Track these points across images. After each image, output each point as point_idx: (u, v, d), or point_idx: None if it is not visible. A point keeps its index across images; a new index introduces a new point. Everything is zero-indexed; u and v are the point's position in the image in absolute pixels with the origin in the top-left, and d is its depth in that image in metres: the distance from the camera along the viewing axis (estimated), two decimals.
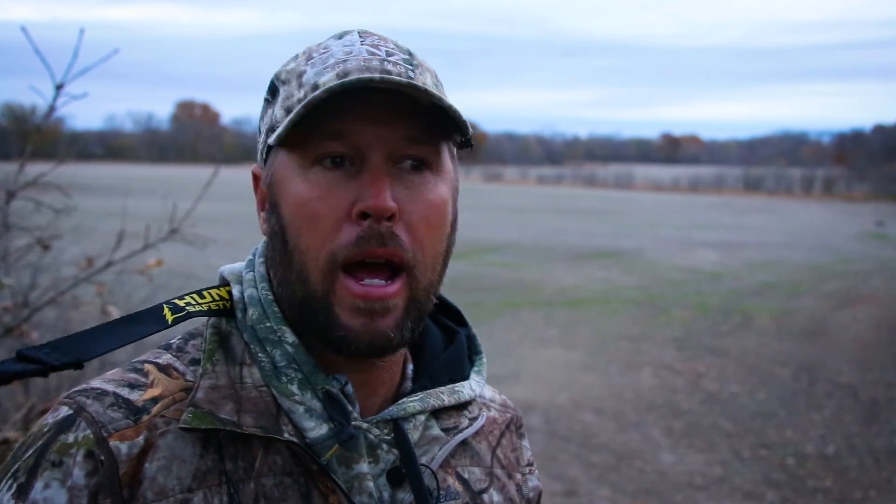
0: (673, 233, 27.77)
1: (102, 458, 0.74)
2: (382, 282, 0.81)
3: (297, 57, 0.87)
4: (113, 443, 0.75)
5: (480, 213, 33.59)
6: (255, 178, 0.91)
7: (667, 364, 10.40)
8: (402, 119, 0.80)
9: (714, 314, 13.55)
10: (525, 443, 1.08)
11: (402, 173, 0.81)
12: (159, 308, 0.84)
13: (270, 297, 0.86)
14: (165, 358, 0.84)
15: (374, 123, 0.80)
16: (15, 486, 0.73)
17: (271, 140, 0.82)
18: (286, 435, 0.79)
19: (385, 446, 0.85)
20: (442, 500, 0.87)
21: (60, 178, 3.17)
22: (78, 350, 0.78)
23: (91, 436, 0.75)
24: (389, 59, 0.82)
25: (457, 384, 0.94)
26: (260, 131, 0.89)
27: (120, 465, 0.74)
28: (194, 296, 0.88)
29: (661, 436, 7.83)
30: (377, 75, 0.77)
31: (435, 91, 0.78)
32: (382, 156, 0.80)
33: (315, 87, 0.80)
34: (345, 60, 0.81)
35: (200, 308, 0.86)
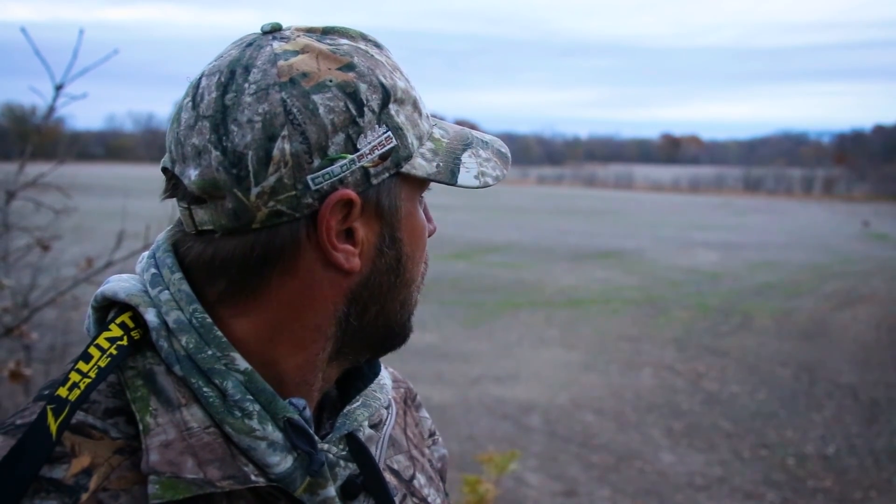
0: (673, 233, 27.77)
1: None
2: None
3: (396, 68, 0.79)
4: None
5: (480, 214, 33.60)
6: (357, 206, 0.74)
7: (667, 364, 10.40)
8: None
9: (714, 314, 13.55)
10: (423, 413, 1.02)
11: None
12: (42, 416, 0.67)
13: (208, 319, 0.73)
14: (76, 417, 0.69)
15: None
16: None
17: (455, 180, 0.82)
18: (252, 478, 0.71)
19: (342, 462, 0.79)
20: None
21: (60, 178, 3.17)
22: None
23: None
24: None
25: (379, 377, 0.88)
26: (356, 148, 0.73)
27: None
28: (79, 365, 0.71)
29: (662, 436, 7.82)
30: (507, 152, 0.92)
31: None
32: None
33: (428, 118, 0.83)
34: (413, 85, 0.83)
35: (88, 381, 0.70)
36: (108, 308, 0.77)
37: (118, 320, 0.74)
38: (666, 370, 10.14)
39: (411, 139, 0.77)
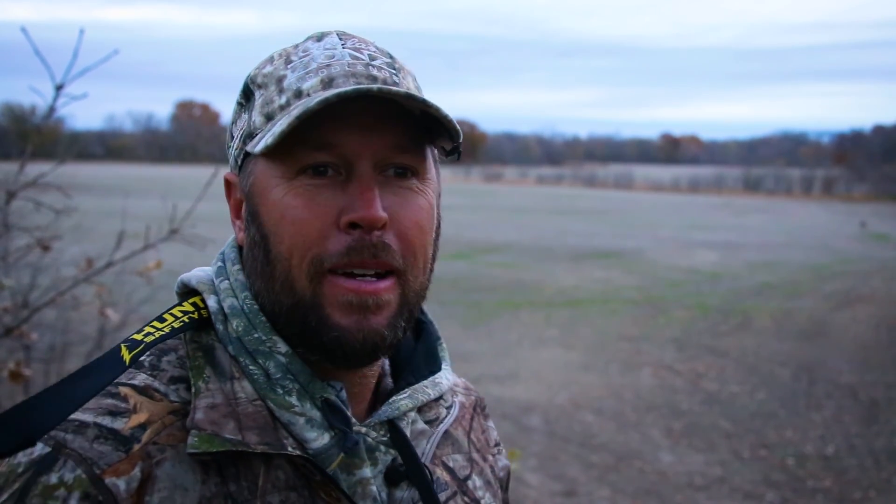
0: (673, 233, 27.77)
1: (101, 498, 0.68)
2: (373, 279, 0.79)
3: (272, 59, 0.84)
4: (109, 480, 0.69)
5: (480, 214, 33.59)
6: (228, 184, 0.88)
7: (666, 364, 10.40)
8: (389, 127, 0.79)
9: (714, 314, 13.55)
10: (490, 423, 1.06)
11: (388, 180, 0.80)
12: (117, 350, 0.77)
13: (256, 306, 0.82)
14: (140, 378, 0.78)
15: (362, 132, 0.78)
16: None
17: (256, 148, 0.78)
18: (289, 449, 0.77)
19: (382, 448, 0.84)
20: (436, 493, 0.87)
21: (60, 178, 3.16)
22: (28, 425, 0.68)
23: (84, 476, 0.68)
24: (373, 62, 0.82)
25: (436, 375, 0.93)
26: (232, 136, 0.86)
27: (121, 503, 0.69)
28: (154, 323, 0.82)
29: (661, 436, 7.83)
30: (375, 86, 0.75)
31: (425, 97, 0.77)
32: (370, 165, 0.78)
33: (298, 93, 0.79)
34: (328, 65, 0.80)
35: (162, 333, 0.79)
36: (187, 294, 0.88)
37: (190, 300, 0.85)
38: (665, 370, 10.14)
39: (256, 118, 0.82)
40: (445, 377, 0.94)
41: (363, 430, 0.83)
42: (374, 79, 0.80)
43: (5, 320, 2.97)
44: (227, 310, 0.82)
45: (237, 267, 0.85)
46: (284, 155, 0.78)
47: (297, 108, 0.75)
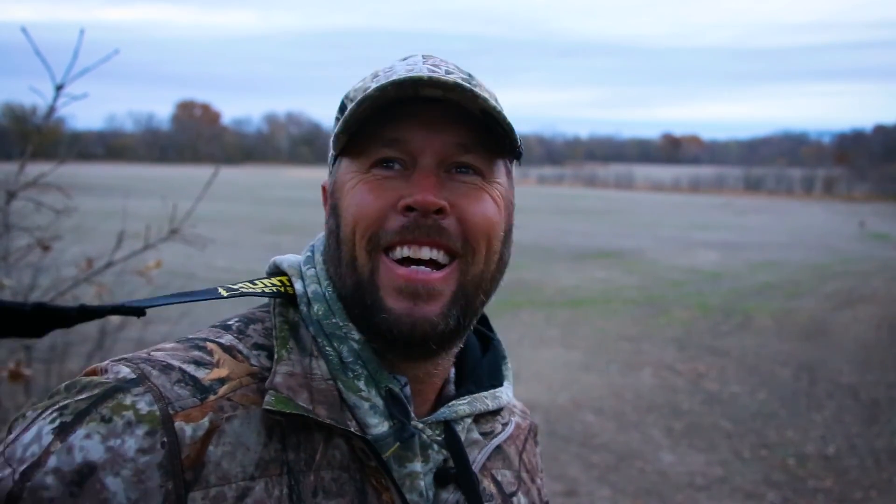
0: (673, 233, 27.76)
1: (165, 439, 0.72)
2: (428, 269, 0.83)
3: (364, 78, 0.91)
4: (178, 423, 0.73)
5: None
6: (325, 192, 0.95)
7: (667, 364, 10.40)
8: (452, 126, 0.84)
9: (714, 314, 13.54)
10: (539, 450, 1.11)
11: (452, 177, 0.85)
12: (213, 288, 0.86)
13: (335, 294, 0.88)
14: (227, 339, 0.84)
15: (426, 130, 0.84)
16: (59, 421, 0.71)
17: (334, 148, 0.88)
18: (353, 429, 0.80)
19: (436, 447, 0.87)
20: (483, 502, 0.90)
21: (61, 178, 3.16)
22: (138, 304, 0.80)
23: (157, 413, 0.73)
24: (449, 74, 0.86)
25: (497, 389, 0.97)
26: (330, 147, 0.93)
27: (183, 449, 0.73)
28: (245, 283, 0.89)
29: (662, 436, 7.82)
30: (426, 74, 0.80)
31: (484, 94, 0.82)
32: (433, 160, 0.84)
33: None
34: (406, 75, 0.84)
35: (254, 290, 0.87)
36: (276, 275, 0.94)
37: (277, 278, 0.92)
38: (666, 370, 10.14)
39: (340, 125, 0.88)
40: (506, 394, 0.99)
41: (420, 426, 0.87)
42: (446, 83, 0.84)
43: None
44: (310, 294, 0.89)
45: (323, 258, 0.92)
46: (359, 153, 0.86)
47: (359, 96, 0.82)
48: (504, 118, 0.82)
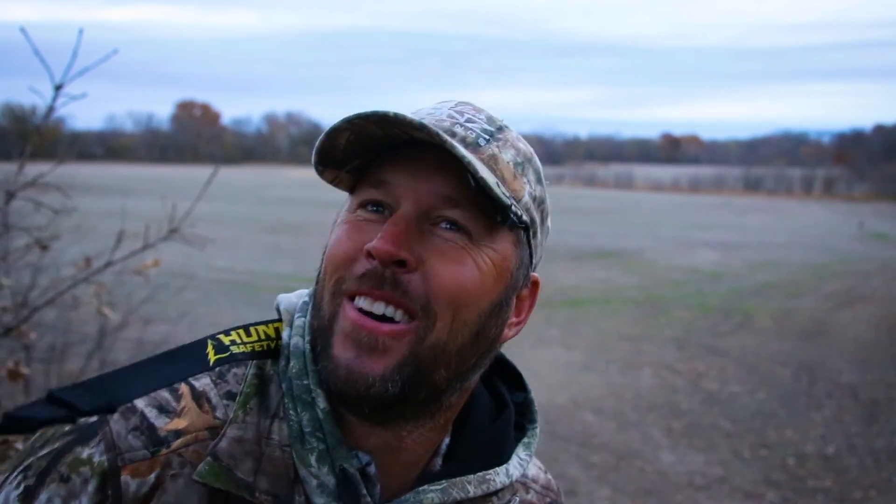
0: (673, 233, 27.77)
1: (110, 492, 0.70)
2: (380, 321, 0.76)
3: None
4: (124, 477, 0.71)
5: None
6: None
7: (667, 364, 10.40)
8: (442, 177, 0.77)
9: (714, 314, 13.55)
10: None
11: (437, 231, 0.78)
12: (203, 344, 0.81)
13: (310, 350, 0.81)
14: (203, 382, 0.79)
15: (413, 176, 0.78)
16: (23, 486, 0.70)
17: (316, 171, 0.83)
18: None
19: None
20: None
21: (60, 178, 3.16)
22: (113, 393, 0.75)
23: (106, 464, 0.71)
24: (466, 124, 0.81)
25: (489, 471, 0.85)
26: None
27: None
28: (241, 332, 0.84)
29: (662, 436, 7.82)
30: (391, 112, 0.73)
31: (465, 152, 0.73)
32: (412, 207, 0.77)
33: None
34: (421, 117, 0.79)
35: (244, 350, 0.82)
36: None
37: (275, 324, 0.87)
38: (666, 370, 10.14)
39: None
40: (506, 473, 0.87)
41: None
42: (453, 134, 0.79)
43: (5, 320, 2.97)
44: (291, 348, 0.82)
45: (312, 302, 0.85)
46: (357, 191, 0.82)
47: (330, 126, 0.77)
48: (480, 178, 0.73)
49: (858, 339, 11.90)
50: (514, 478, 0.88)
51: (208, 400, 0.78)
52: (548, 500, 0.98)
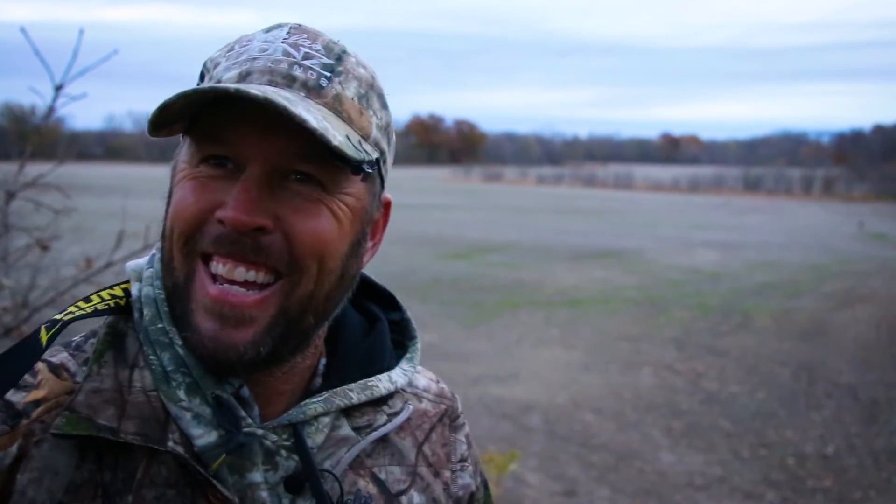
0: (673, 233, 27.77)
1: None
2: (244, 290, 0.75)
3: (225, 45, 0.83)
4: None
5: (480, 214, 33.59)
6: None
7: (666, 364, 10.40)
8: (288, 133, 0.73)
9: (714, 314, 13.55)
10: (460, 436, 0.99)
11: (288, 185, 0.76)
12: (37, 332, 0.77)
13: (163, 295, 0.81)
14: (61, 357, 0.78)
15: (260, 133, 0.74)
16: None
17: (148, 131, 0.76)
18: (169, 444, 0.74)
19: (284, 452, 0.80)
20: None
21: (60, 178, 3.16)
22: None
23: None
24: (304, 62, 0.77)
25: (371, 378, 0.87)
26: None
27: None
28: (79, 303, 0.81)
29: (661, 436, 7.82)
30: (232, 86, 0.71)
31: (301, 111, 0.70)
32: (262, 167, 0.75)
33: (218, 82, 0.77)
34: (255, 59, 0.77)
35: (83, 312, 0.79)
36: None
37: (123, 285, 0.85)
38: (665, 370, 10.14)
39: None
40: (389, 380, 0.88)
41: (259, 432, 0.79)
42: (293, 79, 0.76)
43: (5, 320, 2.97)
44: (142, 298, 0.82)
45: (160, 255, 0.83)
46: (195, 142, 0.78)
47: (167, 99, 0.73)
48: (319, 132, 0.70)
49: (858, 339, 11.90)
50: (398, 385, 0.89)
51: (67, 369, 0.77)
52: (443, 406, 0.98)
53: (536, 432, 7.75)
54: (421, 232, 25.92)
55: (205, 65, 0.83)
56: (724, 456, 7.33)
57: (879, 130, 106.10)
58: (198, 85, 0.82)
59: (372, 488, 0.85)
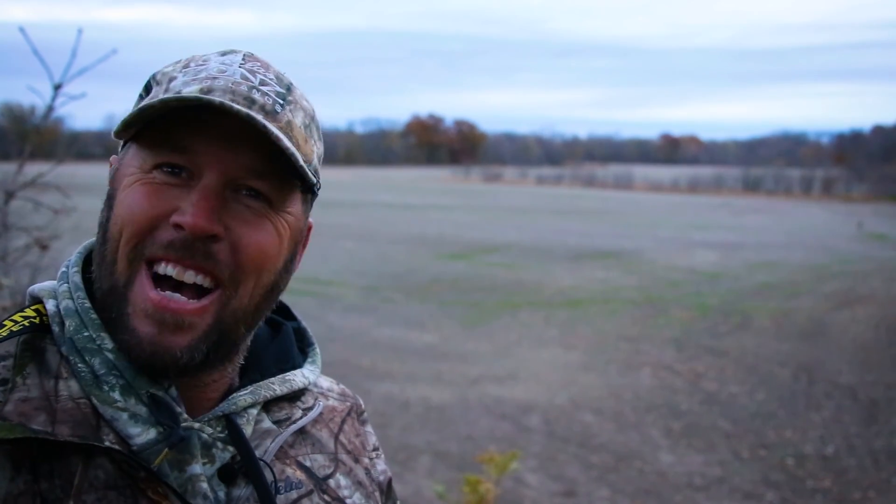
0: (672, 233, 27.78)
1: None
2: (184, 299, 0.78)
3: (177, 62, 0.86)
4: None
5: (480, 214, 33.59)
6: (111, 166, 0.91)
7: (666, 364, 10.40)
8: (248, 149, 0.79)
9: (713, 314, 13.55)
10: (368, 428, 1.06)
11: (239, 199, 0.81)
12: None
13: (87, 304, 0.83)
14: None
15: (220, 146, 0.79)
16: None
17: (114, 131, 0.82)
18: (107, 443, 0.75)
19: (220, 444, 0.83)
20: (282, 491, 0.86)
21: (59, 178, 3.16)
22: None
23: None
24: (261, 87, 0.82)
25: (287, 373, 0.93)
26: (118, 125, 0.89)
27: None
28: None
29: (661, 436, 7.82)
30: (217, 98, 0.75)
31: (275, 129, 0.77)
32: (219, 178, 0.79)
33: (178, 93, 0.79)
34: (215, 77, 0.80)
35: None
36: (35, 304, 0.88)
37: (33, 307, 0.86)
38: (665, 370, 10.14)
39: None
40: (303, 376, 0.95)
41: (196, 425, 0.82)
42: (252, 101, 0.80)
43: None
44: (62, 311, 0.83)
45: (75, 269, 0.87)
46: (147, 148, 0.81)
47: (146, 102, 0.77)
48: (289, 151, 0.78)
49: (857, 339, 11.90)
50: (310, 380, 0.96)
51: None
52: (348, 403, 1.05)
53: (536, 433, 7.75)
54: (420, 232, 25.93)
55: (153, 77, 0.86)
56: (723, 456, 7.33)
57: (879, 131, 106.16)
58: (142, 96, 0.86)
59: (300, 475, 0.89)
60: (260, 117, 0.77)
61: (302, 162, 0.79)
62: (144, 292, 0.78)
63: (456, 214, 31.64)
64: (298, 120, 0.84)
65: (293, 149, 0.78)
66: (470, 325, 12.30)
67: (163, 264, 0.78)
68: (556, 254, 21.16)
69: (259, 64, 0.85)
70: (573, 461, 7.08)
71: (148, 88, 0.86)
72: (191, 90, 0.79)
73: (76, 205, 3.58)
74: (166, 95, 0.77)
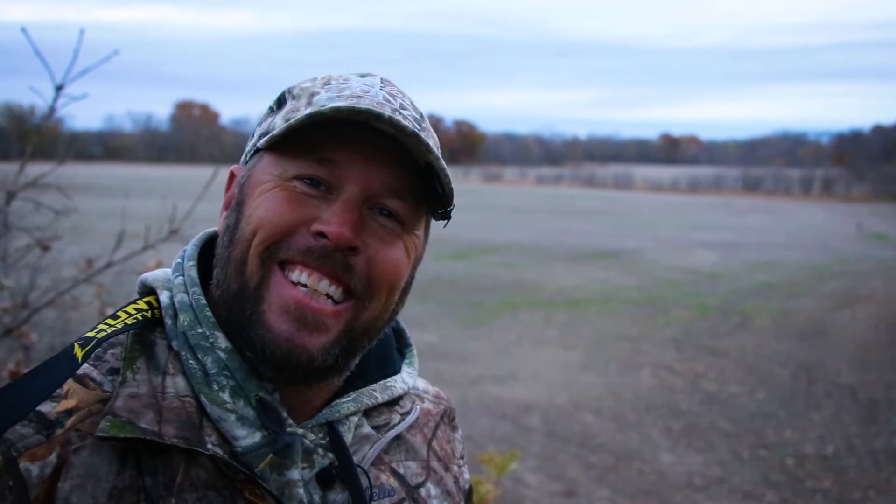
0: (672, 233, 27.78)
1: (11, 483, 0.70)
2: (329, 301, 0.80)
3: (315, 79, 0.88)
4: (23, 464, 0.70)
5: (480, 214, 33.57)
6: (232, 176, 0.92)
7: (666, 364, 10.40)
8: (390, 167, 0.82)
9: (713, 315, 13.55)
10: (458, 435, 1.06)
11: (375, 217, 0.83)
12: (70, 348, 0.79)
13: (203, 300, 0.84)
14: (83, 368, 0.79)
15: (364, 161, 0.81)
16: None
17: (261, 143, 0.84)
18: (209, 446, 0.76)
19: (321, 451, 0.84)
20: (376, 498, 0.87)
21: (60, 178, 3.16)
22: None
23: (0, 458, 0.70)
24: (402, 111, 0.83)
25: (388, 379, 0.94)
26: (253, 135, 0.91)
27: (31, 490, 0.70)
28: (108, 320, 0.83)
29: (661, 436, 7.83)
30: (387, 113, 0.77)
31: (435, 150, 0.80)
32: (360, 193, 0.81)
33: (322, 107, 0.81)
34: (360, 96, 0.82)
35: (114, 329, 0.81)
36: (147, 294, 0.89)
37: (145, 299, 0.87)
38: (665, 370, 10.14)
39: (278, 121, 0.85)
40: (402, 381, 0.96)
41: (300, 431, 0.83)
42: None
43: (5, 320, 2.97)
44: (177, 304, 0.84)
45: (191, 263, 0.88)
46: (291, 157, 0.82)
47: (310, 109, 0.79)
48: (447, 177, 0.81)
49: (857, 339, 11.91)
50: (409, 385, 0.97)
51: (92, 379, 0.79)
52: (442, 406, 1.05)
53: (536, 433, 7.75)
54: None
55: (289, 91, 0.88)
56: (723, 456, 7.34)
57: (879, 131, 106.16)
58: (272, 109, 0.88)
59: (393, 482, 0.90)
60: (423, 136, 0.79)
61: (447, 183, 0.82)
62: (285, 290, 0.79)
63: (455, 214, 31.44)
64: (432, 145, 0.84)
65: (448, 170, 0.80)
66: (470, 325, 12.30)
67: (297, 271, 0.80)
68: (555, 254, 21.16)
69: (396, 89, 0.88)
70: (573, 461, 7.08)
71: (281, 102, 0.88)
72: (339, 105, 0.79)
73: (77, 205, 3.58)
74: (323, 107, 0.78)
